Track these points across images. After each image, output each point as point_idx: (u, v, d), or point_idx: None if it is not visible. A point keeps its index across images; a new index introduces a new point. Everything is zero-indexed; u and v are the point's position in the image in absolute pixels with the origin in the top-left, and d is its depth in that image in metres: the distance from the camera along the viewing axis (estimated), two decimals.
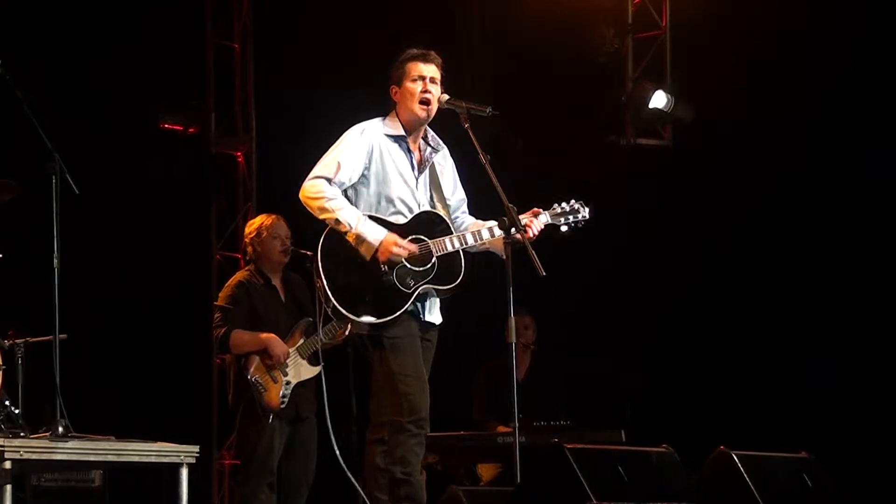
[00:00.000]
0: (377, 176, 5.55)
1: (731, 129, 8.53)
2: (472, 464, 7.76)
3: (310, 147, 5.90)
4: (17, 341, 6.27)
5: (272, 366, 6.87)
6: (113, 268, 8.63)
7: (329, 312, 5.56)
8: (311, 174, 5.50)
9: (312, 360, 6.93)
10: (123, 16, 8.94)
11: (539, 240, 5.46)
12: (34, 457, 5.31)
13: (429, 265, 5.47)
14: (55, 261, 5.63)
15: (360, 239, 5.40)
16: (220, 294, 7.20)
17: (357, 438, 6.30)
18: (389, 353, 5.41)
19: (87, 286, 7.12)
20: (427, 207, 5.62)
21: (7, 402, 5.97)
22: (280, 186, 7.90)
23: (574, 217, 5.66)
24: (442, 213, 5.63)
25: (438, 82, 5.58)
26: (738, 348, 8.59)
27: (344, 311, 5.41)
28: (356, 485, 6.10)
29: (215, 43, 9.81)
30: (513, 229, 5.29)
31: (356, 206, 5.51)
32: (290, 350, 6.94)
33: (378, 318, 5.41)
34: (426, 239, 5.50)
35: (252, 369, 6.87)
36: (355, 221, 5.41)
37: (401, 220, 5.53)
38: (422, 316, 5.54)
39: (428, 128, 5.67)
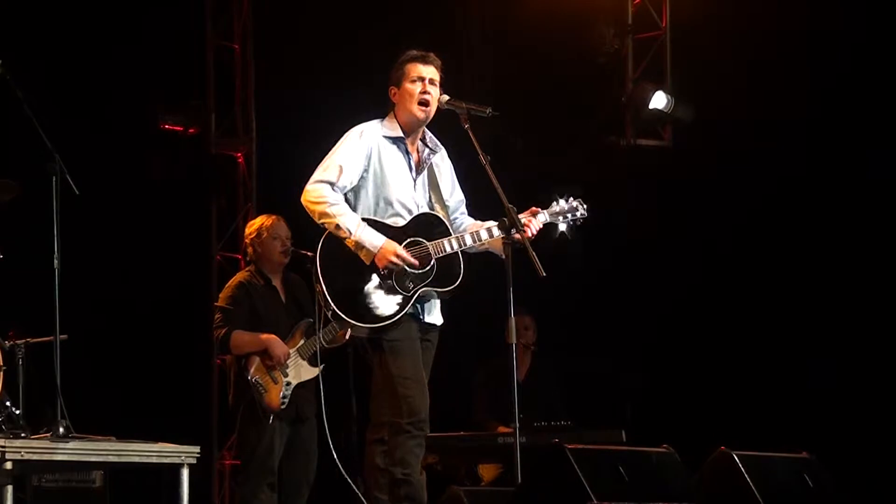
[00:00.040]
0: (375, 178, 5.55)
1: (731, 129, 8.53)
2: (472, 464, 7.75)
3: (310, 147, 5.91)
4: (18, 342, 6.28)
5: (272, 366, 6.87)
6: (113, 268, 8.63)
7: (328, 316, 5.57)
8: (313, 178, 5.50)
9: (313, 361, 6.93)
10: (123, 16, 8.94)
11: (539, 240, 5.45)
12: (35, 457, 5.32)
13: (427, 267, 5.47)
14: (55, 261, 5.64)
15: (359, 245, 5.40)
16: (220, 295, 7.19)
17: (357, 439, 6.30)
18: (389, 356, 5.41)
19: (88, 286, 7.11)
20: (425, 209, 5.62)
21: (8, 403, 5.97)
22: (280, 187, 7.92)
23: (573, 215, 5.66)
24: (440, 214, 5.63)
25: (438, 84, 5.58)
26: (738, 348, 8.59)
27: (343, 315, 5.41)
28: (353, 486, 6.11)
29: (215, 43, 9.81)
30: (513, 230, 5.29)
31: (355, 209, 5.52)
32: (291, 351, 6.95)
33: (377, 322, 5.41)
34: (425, 241, 5.50)
35: (252, 370, 6.87)
36: (355, 227, 5.40)
37: (399, 222, 5.53)
38: (422, 317, 5.54)
39: (426, 129, 5.67)
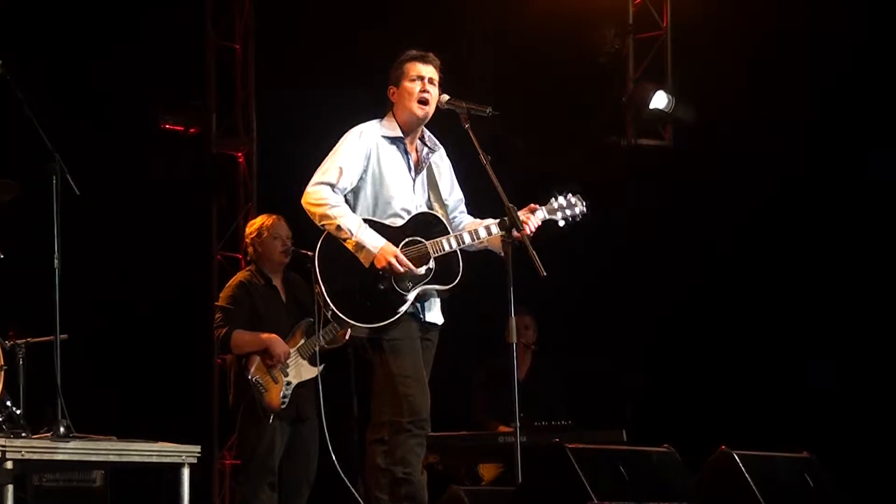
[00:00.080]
0: (374, 178, 5.55)
1: (732, 129, 8.53)
2: (473, 464, 7.76)
3: (310, 147, 5.91)
4: (18, 342, 6.28)
5: (273, 366, 6.87)
6: (114, 268, 8.63)
7: (328, 317, 5.57)
8: (314, 180, 5.50)
9: (313, 361, 6.93)
10: (123, 16, 8.94)
11: (539, 239, 5.45)
12: (36, 457, 5.33)
13: (426, 267, 5.47)
14: (56, 261, 5.65)
15: (359, 246, 5.40)
16: (220, 294, 7.20)
17: (358, 439, 6.30)
18: (389, 356, 5.41)
19: (88, 286, 7.11)
20: (424, 209, 5.61)
21: (8, 403, 5.97)
22: (281, 187, 7.92)
23: (571, 211, 5.65)
24: (439, 213, 5.62)
25: (437, 84, 5.59)
26: (738, 348, 8.59)
27: (342, 316, 5.41)
28: (351, 488, 6.11)
29: (216, 43, 9.82)
30: (513, 230, 5.29)
31: (354, 209, 5.52)
32: (291, 350, 6.95)
33: (377, 322, 5.41)
34: (423, 240, 5.50)
35: (253, 369, 6.87)
36: (356, 229, 5.40)
37: (398, 222, 5.53)
38: (422, 316, 5.54)
39: (425, 128, 5.67)
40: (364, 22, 9.09)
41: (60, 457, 5.44)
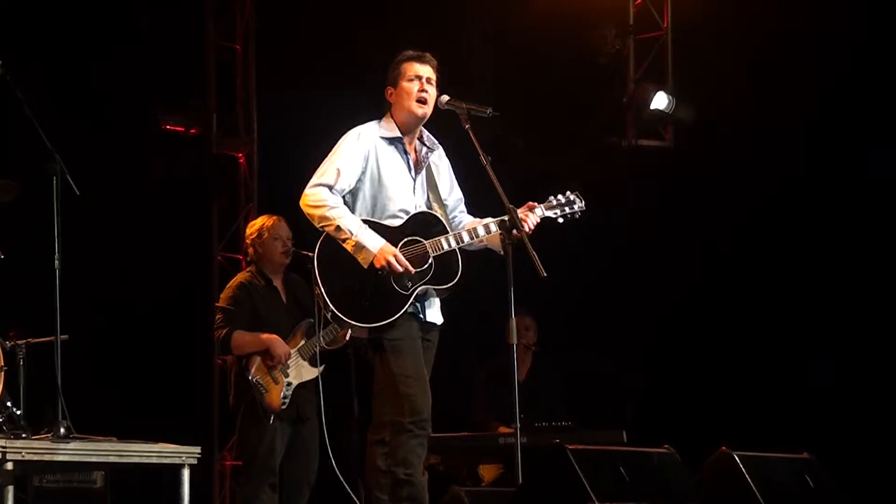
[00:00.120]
0: (373, 179, 5.55)
1: (732, 129, 8.53)
2: (473, 464, 7.76)
3: (311, 148, 5.91)
4: (19, 342, 6.28)
5: (273, 366, 6.87)
6: (114, 269, 8.63)
7: (328, 318, 5.57)
8: (312, 182, 5.50)
9: (314, 362, 6.93)
10: (123, 16, 8.94)
11: (540, 238, 5.45)
12: (36, 458, 5.33)
13: (426, 266, 5.47)
14: (56, 262, 5.65)
15: (359, 246, 5.40)
16: (221, 295, 7.19)
17: (359, 439, 6.30)
18: (390, 356, 5.41)
19: (89, 287, 7.11)
20: (423, 208, 5.61)
21: (9, 404, 5.97)
22: (281, 187, 7.92)
23: (570, 208, 5.66)
24: (438, 213, 5.62)
25: (434, 83, 5.59)
26: (738, 348, 8.59)
27: (343, 317, 5.41)
28: (349, 490, 6.11)
29: (216, 44, 9.81)
30: (514, 230, 5.29)
31: (353, 210, 5.52)
32: (292, 351, 6.95)
33: (377, 322, 5.41)
34: (422, 240, 5.50)
35: (253, 370, 6.87)
36: (356, 229, 5.40)
37: (398, 222, 5.53)
38: (422, 316, 5.53)
39: (423, 128, 5.67)
40: (364, 22, 9.08)
41: (61, 458, 5.44)
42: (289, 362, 6.91)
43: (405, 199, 5.57)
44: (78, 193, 5.71)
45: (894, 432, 8.01)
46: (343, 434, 6.66)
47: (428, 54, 5.62)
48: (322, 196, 5.45)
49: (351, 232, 5.39)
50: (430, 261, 5.47)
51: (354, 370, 6.80)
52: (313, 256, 5.49)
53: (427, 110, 5.57)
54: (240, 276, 7.25)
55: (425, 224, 5.55)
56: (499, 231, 5.39)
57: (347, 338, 6.61)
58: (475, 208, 5.77)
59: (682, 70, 8.98)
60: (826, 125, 8.40)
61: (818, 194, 8.47)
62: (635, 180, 8.90)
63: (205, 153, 9.67)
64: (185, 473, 5.59)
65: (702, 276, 8.78)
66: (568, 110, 9.09)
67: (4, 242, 6.09)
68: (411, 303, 5.44)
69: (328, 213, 5.42)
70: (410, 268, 5.39)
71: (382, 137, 5.59)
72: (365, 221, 5.47)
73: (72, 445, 5.45)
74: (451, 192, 5.74)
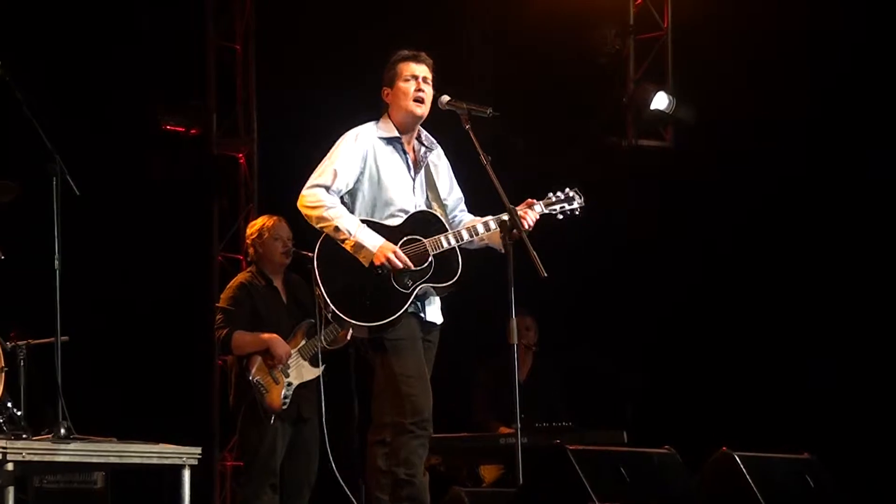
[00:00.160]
0: (372, 180, 5.55)
1: (732, 129, 8.53)
2: (474, 465, 7.76)
3: (311, 148, 5.90)
4: (19, 343, 6.27)
5: (274, 366, 6.87)
6: (114, 269, 8.63)
7: (329, 318, 5.56)
8: (309, 183, 5.50)
9: (314, 362, 6.93)
10: (123, 16, 8.94)
11: (540, 238, 5.45)
12: (36, 458, 5.33)
13: (426, 264, 5.47)
14: (56, 262, 5.65)
15: (358, 246, 5.39)
16: (221, 295, 7.19)
17: (359, 439, 6.30)
18: (392, 355, 5.40)
19: (89, 287, 7.12)
20: (423, 208, 5.61)
21: (9, 404, 5.96)
22: (282, 188, 7.89)
23: (569, 205, 5.65)
24: (438, 212, 5.62)
25: (430, 82, 5.59)
26: (738, 348, 8.59)
27: (343, 317, 5.41)
28: (348, 491, 6.11)
29: (216, 44, 9.81)
30: (514, 231, 5.29)
31: (352, 211, 5.52)
32: (292, 351, 6.94)
33: (378, 321, 5.40)
34: (421, 238, 5.49)
35: (254, 370, 6.86)
36: (355, 229, 5.40)
37: (397, 222, 5.52)
38: (423, 315, 5.53)
39: (421, 128, 5.67)
40: (364, 22, 9.08)
41: (61, 458, 5.44)
42: (289, 362, 6.91)
43: (405, 198, 5.56)
44: (78, 194, 5.70)
45: (894, 432, 8.02)
46: (343, 434, 6.66)
47: (423, 53, 5.62)
48: (319, 196, 5.45)
49: (349, 231, 5.39)
50: (429, 259, 5.47)
51: (354, 371, 6.80)
52: (313, 256, 5.48)
53: (424, 110, 5.57)
54: (240, 277, 7.25)
55: (424, 223, 5.54)
56: (497, 228, 5.39)
57: (349, 338, 6.61)
58: (475, 208, 5.77)
59: (683, 70, 8.98)
60: (826, 125, 8.40)
61: (818, 194, 8.47)
62: (635, 180, 8.90)
63: (205, 153, 9.67)
64: (186, 474, 5.59)
65: (702, 276, 8.78)
66: (568, 110, 9.09)
67: (4, 243, 6.09)
68: (412, 302, 5.44)
69: (325, 214, 5.42)
70: (409, 262, 5.39)
71: (380, 138, 5.58)
72: (364, 221, 5.47)
73: (72, 446, 5.45)
74: (451, 191, 5.74)
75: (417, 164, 5.63)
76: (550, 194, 5.65)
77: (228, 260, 9.64)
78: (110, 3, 8.91)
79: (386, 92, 5.61)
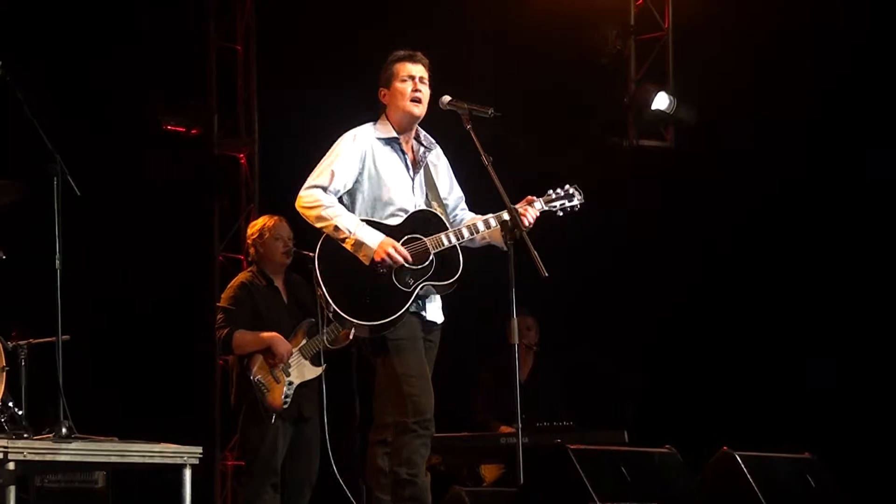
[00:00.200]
0: (371, 180, 5.54)
1: (733, 129, 8.54)
2: (475, 464, 7.77)
3: (311, 148, 5.91)
4: (21, 342, 6.29)
5: (275, 365, 6.87)
6: (115, 269, 8.63)
7: (331, 317, 5.56)
8: (306, 184, 5.50)
9: (315, 361, 6.94)
10: (123, 16, 8.94)
11: (540, 238, 5.45)
12: (38, 458, 5.33)
13: (426, 263, 5.47)
14: (57, 262, 5.65)
15: (358, 244, 5.39)
16: (222, 295, 7.19)
17: (360, 439, 6.31)
18: (393, 355, 5.40)
19: (90, 287, 7.12)
20: (423, 207, 5.62)
21: (10, 404, 5.97)
22: (282, 187, 7.89)
23: (569, 201, 5.65)
24: (438, 211, 5.62)
25: (427, 82, 5.59)
26: (739, 348, 8.60)
27: (345, 316, 5.40)
28: (347, 491, 6.11)
29: (217, 44, 9.81)
30: (515, 230, 5.29)
31: (353, 211, 5.52)
32: (293, 350, 6.95)
33: (379, 319, 5.40)
34: (422, 237, 5.50)
35: (255, 369, 6.87)
36: (354, 227, 5.40)
37: (397, 221, 5.52)
38: (424, 314, 5.53)
39: (419, 127, 5.67)
40: (364, 22, 9.08)
41: (62, 458, 5.45)
42: (290, 361, 6.91)
43: (404, 198, 5.56)
44: (79, 194, 5.71)
45: (894, 432, 8.02)
46: (344, 434, 6.66)
47: (419, 53, 5.62)
48: (316, 196, 5.45)
49: (349, 230, 5.39)
50: (430, 257, 5.47)
51: (355, 370, 6.81)
52: (314, 256, 5.48)
53: (422, 110, 5.57)
54: (241, 276, 7.26)
55: (424, 222, 5.54)
56: (497, 226, 5.39)
57: (350, 337, 6.61)
58: (476, 208, 5.77)
59: (683, 70, 8.98)
60: (826, 125, 8.40)
61: (818, 194, 8.48)
62: (636, 180, 8.90)
63: (206, 153, 9.67)
64: (187, 473, 5.59)
65: (702, 276, 8.78)
66: (568, 110, 9.09)
67: (6, 243, 6.10)
68: (413, 301, 5.44)
69: (324, 213, 5.42)
70: (409, 256, 5.39)
71: (379, 138, 5.58)
72: (364, 221, 5.47)
73: (73, 445, 5.45)
74: (451, 190, 5.74)
75: (416, 164, 5.63)
76: (550, 191, 5.65)
77: (229, 260, 9.64)
78: (110, 3, 8.91)
79: (383, 93, 5.61)
